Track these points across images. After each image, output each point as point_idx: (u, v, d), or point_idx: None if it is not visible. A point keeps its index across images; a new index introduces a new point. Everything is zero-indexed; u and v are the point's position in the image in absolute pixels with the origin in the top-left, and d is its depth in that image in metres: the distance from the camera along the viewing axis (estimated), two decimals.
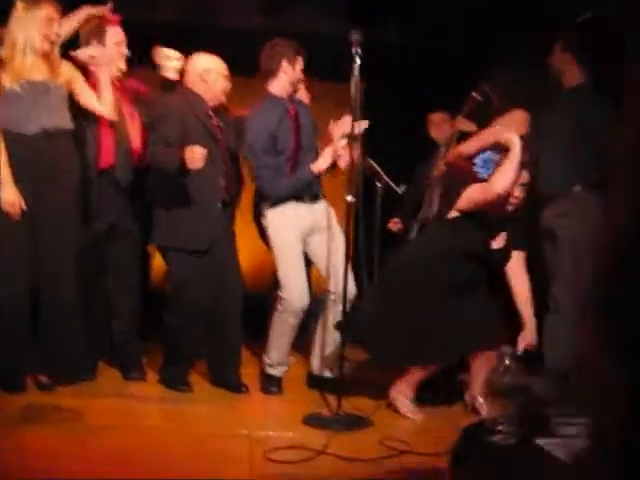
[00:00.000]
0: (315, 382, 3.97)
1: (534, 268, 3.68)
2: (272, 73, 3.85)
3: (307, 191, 3.84)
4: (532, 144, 3.82)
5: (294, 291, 3.78)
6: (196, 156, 3.43)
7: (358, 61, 3.35)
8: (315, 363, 4.00)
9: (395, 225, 4.89)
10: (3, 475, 2.60)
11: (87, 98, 3.59)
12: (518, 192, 3.50)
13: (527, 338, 3.41)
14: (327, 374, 3.95)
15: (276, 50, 3.84)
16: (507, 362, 1.94)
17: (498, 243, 3.54)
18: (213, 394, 3.75)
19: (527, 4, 4.13)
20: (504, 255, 3.53)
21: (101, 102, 3.59)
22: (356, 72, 3.36)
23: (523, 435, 1.91)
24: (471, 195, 3.47)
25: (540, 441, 1.92)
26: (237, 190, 3.99)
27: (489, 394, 1.98)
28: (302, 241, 3.88)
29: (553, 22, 4.01)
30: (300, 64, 3.87)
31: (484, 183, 3.49)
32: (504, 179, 3.39)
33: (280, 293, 3.83)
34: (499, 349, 1.95)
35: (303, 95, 4.14)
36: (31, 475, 2.59)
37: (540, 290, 3.71)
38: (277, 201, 3.81)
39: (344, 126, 3.71)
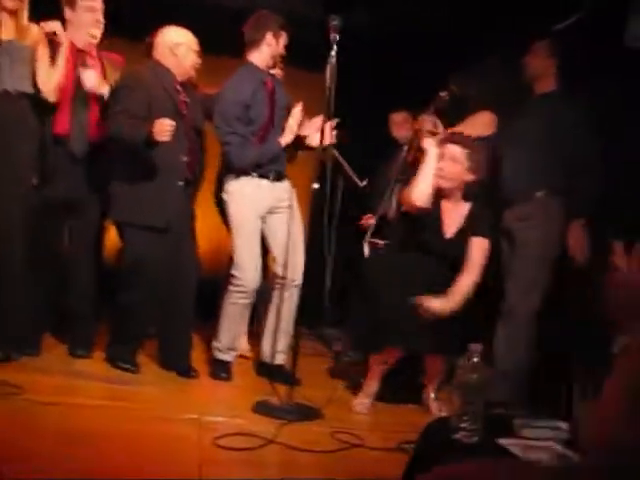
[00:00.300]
0: (265, 370, 3.91)
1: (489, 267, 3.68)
2: (255, 43, 3.79)
3: (271, 167, 3.78)
4: (500, 146, 3.84)
5: (247, 270, 3.74)
6: (165, 128, 3.33)
7: (335, 49, 3.30)
8: (266, 350, 3.94)
9: (367, 221, 4.87)
10: None
11: (38, 69, 3.44)
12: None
13: (435, 303, 3.36)
14: (278, 362, 3.90)
15: (262, 21, 3.79)
16: (475, 359, 1.92)
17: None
18: (162, 376, 3.67)
19: (502, 6, 4.14)
20: (459, 247, 3.51)
21: (46, 78, 3.44)
22: (332, 60, 3.31)
23: (486, 433, 1.90)
24: (400, 197, 3.54)
25: (503, 441, 1.90)
26: (200, 169, 3.89)
27: (456, 391, 1.95)
28: (261, 220, 3.83)
29: (526, 25, 4.03)
30: (284, 39, 3.82)
31: (407, 188, 3.56)
32: (417, 189, 3.50)
33: (233, 271, 3.77)
34: (469, 346, 1.92)
35: (278, 74, 4.09)
36: None
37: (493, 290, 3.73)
38: (241, 172, 3.76)
39: (315, 126, 3.69)
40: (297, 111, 3.73)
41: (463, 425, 1.89)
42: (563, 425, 2.01)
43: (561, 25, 3.81)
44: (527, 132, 3.70)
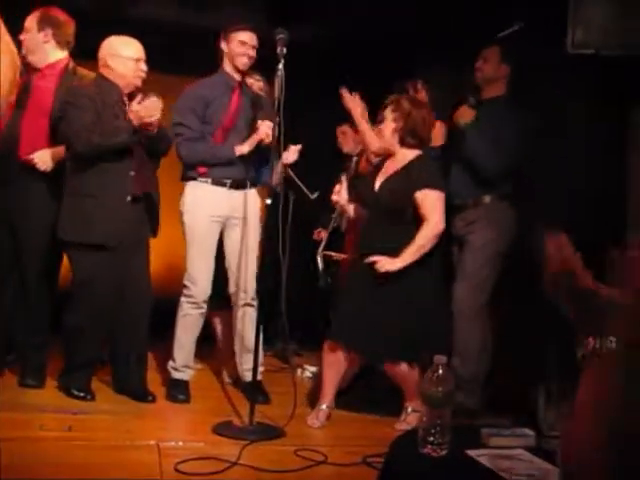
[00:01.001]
0: (244, 387, 3.86)
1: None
2: (224, 54, 3.82)
3: (228, 174, 3.74)
4: (449, 155, 3.88)
5: (198, 281, 3.72)
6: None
7: (282, 62, 3.29)
8: (240, 369, 3.89)
9: (319, 235, 4.85)
10: None
11: None
12: None
13: (382, 262, 3.35)
14: (246, 379, 3.82)
15: (227, 34, 3.79)
16: (441, 372, 1.90)
17: None
18: (118, 402, 3.57)
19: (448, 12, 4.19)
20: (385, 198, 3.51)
21: None
22: (280, 73, 3.30)
23: (454, 445, 1.88)
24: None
25: (471, 452, 1.89)
26: (152, 184, 3.79)
27: (422, 404, 1.94)
28: (218, 229, 3.79)
29: (469, 33, 4.09)
30: (246, 49, 3.79)
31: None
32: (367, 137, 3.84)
33: (185, 281, 3.74)
34: (435, 358, 1.90)
35: (259, 87, 4.17)
36: None
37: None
38: (193, 176, 3.74)
39: (263, 132, 3.66)
40: (264, 126, 3.67)
41: (431, 439, 1.87)
42: (529, 432, 2.01)
43: (503, 33, 3.87)
44: (474, 137, 3.74)
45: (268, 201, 3.41)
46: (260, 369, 3.81)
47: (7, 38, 3.33)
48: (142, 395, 3.62)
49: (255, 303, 3.70)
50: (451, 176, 3.82)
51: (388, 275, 3.32)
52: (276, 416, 3.48)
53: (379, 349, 3.41)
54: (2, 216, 3.51)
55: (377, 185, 3.53)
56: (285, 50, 3.28)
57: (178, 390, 3.75)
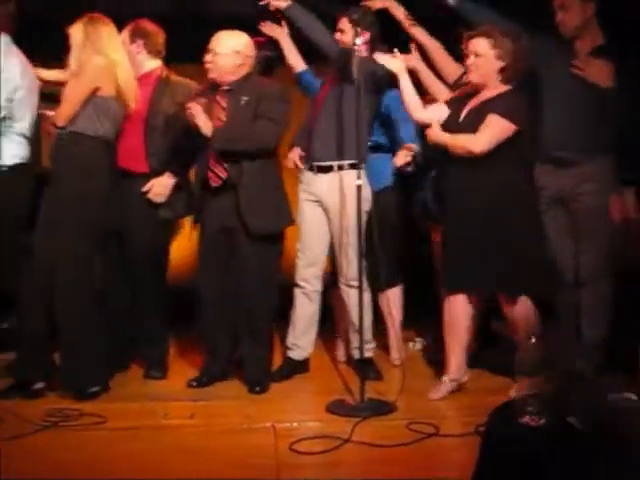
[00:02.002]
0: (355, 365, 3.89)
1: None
2: None
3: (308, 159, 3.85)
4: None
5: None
6: None
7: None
8: (351, 347, 3.93)
9: None
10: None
11: None
12: None
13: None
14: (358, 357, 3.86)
15: None
16: (533, 339, 1.88)
17: None
18: (235, 388, 3.70)
19: None
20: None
21: None
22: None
23: (555, 414, 1.86)
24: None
25: (571, 419, 1.86)
26: None
27: (518, 373, 1.93)
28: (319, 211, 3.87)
29: None
30: None
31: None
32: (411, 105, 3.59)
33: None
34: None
35: None
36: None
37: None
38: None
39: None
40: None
41: (529, 408, 1.86)
42: (633, 397, 1.96)
43: None
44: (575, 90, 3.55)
45: (359, 182, 3.44)
46: (371, 345, 3.87)
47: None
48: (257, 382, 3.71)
49: (355, 284, 3.74)
50: (548, 123, 3.63)
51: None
52: (388, 391, 3.52)
53: (512, 282, 3.36)
54: (111, 222, 3.69)
55: (462, 116, 3.46)
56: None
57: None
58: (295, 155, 3.87)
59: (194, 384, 3.69)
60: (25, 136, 3.53)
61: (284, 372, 3.88)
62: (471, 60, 3.41)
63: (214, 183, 3.59)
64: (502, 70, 3.37)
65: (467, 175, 3.38)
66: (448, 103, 3.56)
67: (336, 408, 3.33)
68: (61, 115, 3.45)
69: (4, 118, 3.46)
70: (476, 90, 3.47)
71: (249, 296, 3.64)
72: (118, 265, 3.85)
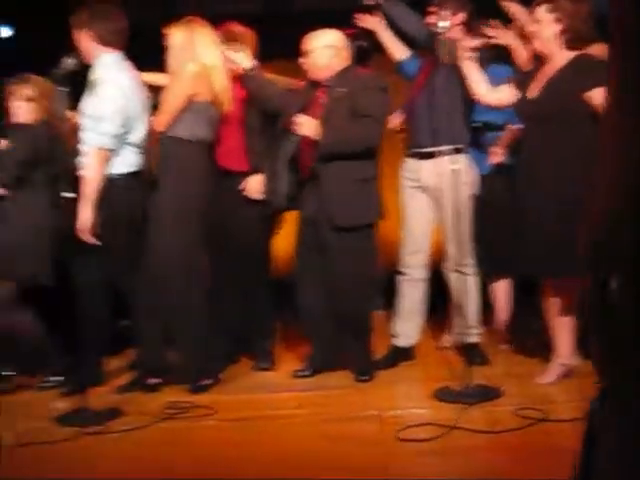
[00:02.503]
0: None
1: None
2: None
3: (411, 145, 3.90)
4: None
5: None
6: None
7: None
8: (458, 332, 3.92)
9: None
10: (154, 467, 2.78)
11: None
12: None
13: None
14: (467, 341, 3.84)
15: None
16: None
17: None
18: (341, 377, 3.75)
19: None
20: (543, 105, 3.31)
21: None
22: None
23: None
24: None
25: None
26: None
27: None
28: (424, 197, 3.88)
29: None
30: None
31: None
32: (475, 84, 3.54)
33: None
34: None
35: None
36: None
37: None
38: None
39: None
40: None
41: None
42: None
43: None
44: None
45: (454, 166, 3.41)
46: (477, 331, 3.82)
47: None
48: (363, 371, 3.75)
49: (463, 269, 3.70)
50: None
51: None
52: (495, 376, 3.47)
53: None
54: (215, 221, 3.81)
55: (535, 92, 3.33)
56: None
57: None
58: (396, 119, 3.88)
59: (301, 374, 3.77)
60: (138, 145, 3.71)
61: (389, 360, 3.90)
62: (532, 27, 3.32)
63: (305, 175, 3.64)
64: (562, 33, 3.25)
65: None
66: (514, 83, 3.45)
67: (442, 395, 3.32)
68: (160, 121, 3.60)
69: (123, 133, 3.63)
70: (542, 62, 3.35)
71: (342, 287, 3.67)
72: (225, 261, 3.98)
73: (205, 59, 3.61)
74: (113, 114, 3.51)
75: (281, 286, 4.09)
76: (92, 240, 3.49)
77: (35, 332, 3.84)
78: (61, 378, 3.85)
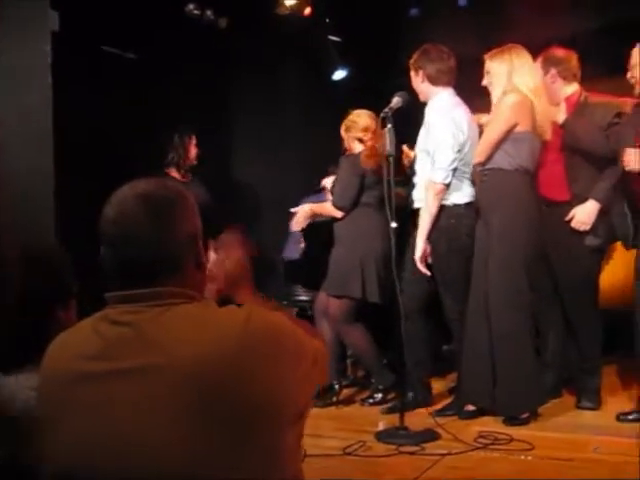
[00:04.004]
0: None
1: None
2: None
3: None
4: None
5: None
6: None
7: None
8: None
9: None
10: None
11: None
12: None
13: None
14: None
15: None
16: None
17: None
18: None
19: None
20: None
21: None
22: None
23: None
24: None
25: None
26: None
27: None
28: None
29: None
30: None
31: None
32: None
33: None
34: None
35: None
36: None
37: None
38: None
39: None
40: None
41: None
42: None
43: None
44: None
45: None
46: None
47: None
48: None
49: None
50: None
51: None
52: None
53: None
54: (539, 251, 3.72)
55: None
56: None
57: None
58: None
59: (627, 418, 3.50)
60: (471, 178, 3.82)
61: None
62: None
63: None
64: None
65: None
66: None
67: None
68: (480, 153, 3.65)
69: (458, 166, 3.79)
70: None
71: None
72: (550, 295, 3.87)
73: (528, 87, 3.57)
74: (449, 149, 3.68)
75: (609, 320, 3.85)
76: (424, 270, 3.72)
77: (369, 347, 4.11)
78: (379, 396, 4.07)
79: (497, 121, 3.62)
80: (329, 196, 4.42)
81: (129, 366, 1.21)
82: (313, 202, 4.50)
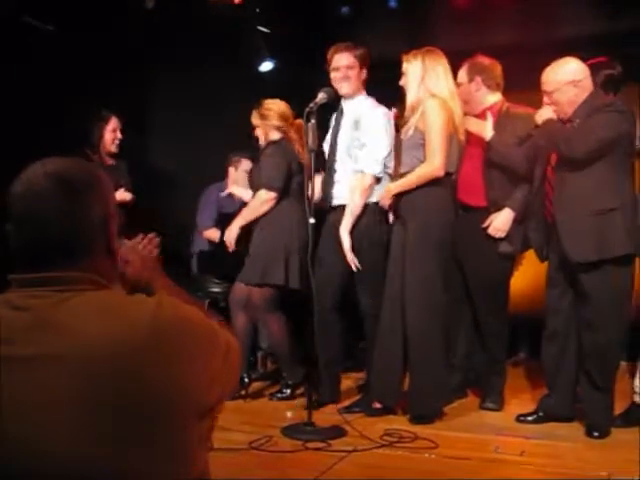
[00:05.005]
0: None
1: None
2: None
3: None
4: None
5: None
6: None
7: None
8: None
9: None
10: None
11: None
12: None
13: None
14: None
15: None
16: None
17: None
18: (571, 429, 3.52)
19: None
20: None
21: None
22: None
23: None
24: None
25: None
26: None
27: None
28: None
29: None
30: None
31: None
32: None
33: None
34: None
35: None
36: None
37: None
38: None
39: None
40: None
41: None
42: None
43: None
44: None
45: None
46: None
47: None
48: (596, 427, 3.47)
49: None
50: None
51: None
52: None
53: None
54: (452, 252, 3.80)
55: None
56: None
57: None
58: None
59: (526, 419, 3.61)
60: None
61: (630, 418, 3.58)
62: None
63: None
64: None
65: None
66: None
67: None
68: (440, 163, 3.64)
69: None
70: None
71: (589, 331, 3.42)
72: (461, 298, 3.96)
73: (437, 91, 3.60)
74: (384, 142, 3.78)
75: (516, 324, 3.97)
76: (355, 261, 3.75)
77: (285, 339, 4.11)
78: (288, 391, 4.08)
79: (435, 129, 3.58)
80: (242, 199, 4.42)
81: (28, 354, 1.16)
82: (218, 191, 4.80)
